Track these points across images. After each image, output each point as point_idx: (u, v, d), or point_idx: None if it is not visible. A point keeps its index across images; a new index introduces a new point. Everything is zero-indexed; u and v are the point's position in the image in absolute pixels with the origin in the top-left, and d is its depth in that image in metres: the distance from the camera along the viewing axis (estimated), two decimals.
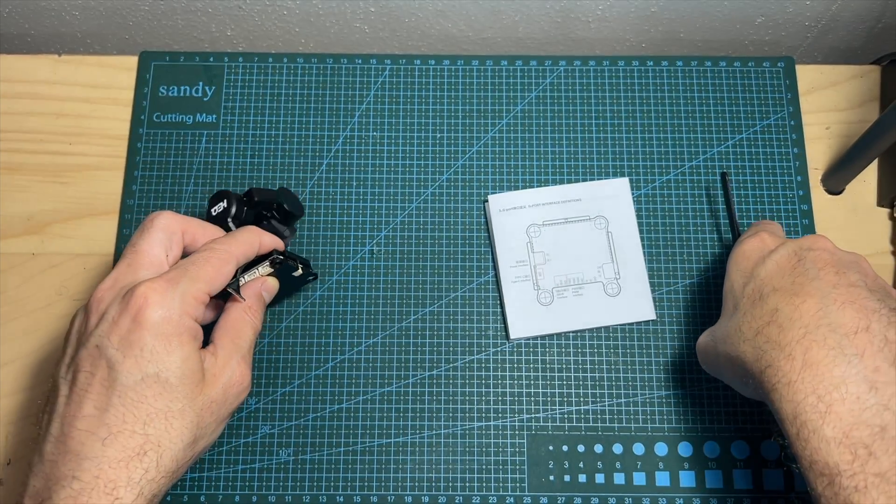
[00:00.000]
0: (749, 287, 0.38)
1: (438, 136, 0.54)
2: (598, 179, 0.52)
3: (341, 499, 0.47)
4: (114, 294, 0.37)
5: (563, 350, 0.49)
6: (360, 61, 0.55)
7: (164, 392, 0.35)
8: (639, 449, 0.47)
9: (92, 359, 0.35)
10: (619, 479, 0.47)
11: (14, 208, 0.53)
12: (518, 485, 0.47)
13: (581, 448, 0.47)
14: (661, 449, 0.47)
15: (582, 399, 0.48)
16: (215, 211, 0.45)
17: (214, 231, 0.42)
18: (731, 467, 0.47)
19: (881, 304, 0.34)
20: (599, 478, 0.47)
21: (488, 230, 0.51)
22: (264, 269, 0.44)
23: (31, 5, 0.57)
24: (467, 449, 0.47)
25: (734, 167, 0.53)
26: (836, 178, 0.52)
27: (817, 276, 0.36)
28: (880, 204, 0.53)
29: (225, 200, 0.45)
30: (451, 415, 0.48)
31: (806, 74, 0.55)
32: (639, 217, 0.51)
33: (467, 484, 0.47)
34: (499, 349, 0.49)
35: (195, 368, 0.36)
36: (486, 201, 0.51)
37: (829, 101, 0.55)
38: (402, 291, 0.50)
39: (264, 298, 0.43)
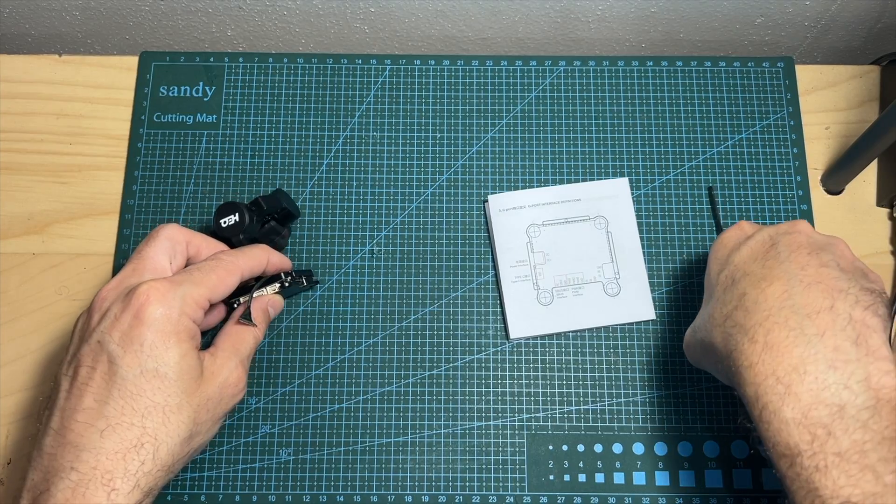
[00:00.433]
0: (723, 274, 0.38)
1: (438, 136, 0.54)
2: (598, 179, 0.52)
3: (341, 498, 0.47)
4: (116, 294, 0.38)
5: (563, 350, 0.49)
6: (360, 61, 0.55)
7: (162, 387, 0.36)
8: (638, 448, 0.47)
9: (94, 354, 0.36)
10: (618, 478, 0.47)
11: (14, 208, 0.53)
12: (518, 484, 0.47)
13: (581, 448, 0.47)
14: (660, 448, 0.47)
15: (582, 399, 0.48)
16: (225, 223, 0.45)
17: (218, 245, 0.44)
18: (730, 467, 0.47)
19: (851, 284, 0.34)
20: (599, 477, 0.47)
21: (488, 230, 0.51)
22: (272, 289, 0.46)
23: (31, 5, 0.57)
24: (467, 449, 0.47)
25: (734, 167, 0.53)
26: (836, 178, 0.52)
27: (788, 258, 0.36)
28: (880, 204, 0.53)
29: (236, 214, 0.45)
30: (451, 414, 0.48)
31: (805, 74, 0.55)
32: (639, 217, 0.51)
33: (467, 483, 0.47)
34: (499, 349, 0.49)
35: (192, 365, 0.38)
36: (486, 201, 0.51)
37: (828, 102, 0.55)
38: (402, 291, 0.50)
39: (270, 313, 0.46)
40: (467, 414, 0.48)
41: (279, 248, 0.49)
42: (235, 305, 0.45)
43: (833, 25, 0.59)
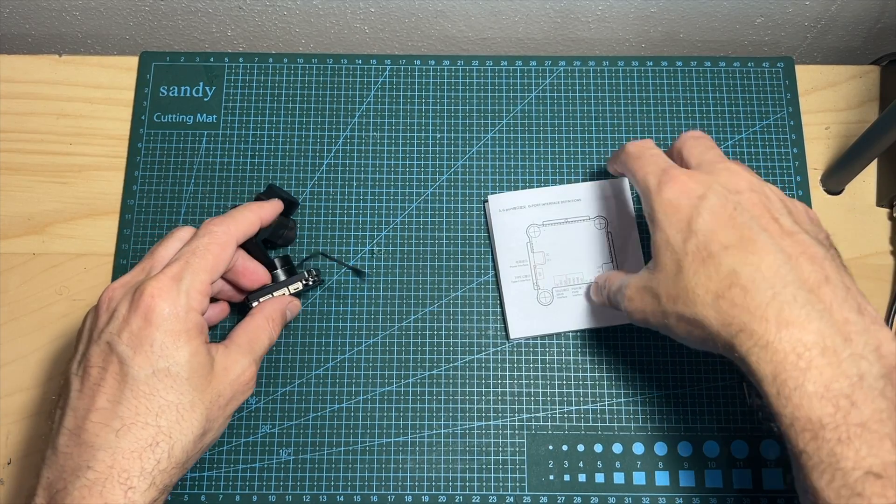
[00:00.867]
0: (691, 244, 0.37)
1: (438, 136, 0.54)
2: (599, 180, 0.52)
3: (341, 498, 0.47)
4: (123, 293, 0.38)
5: (563, 350, 0.49)
6: (360, 61, 0.55)
7: (174, 385, 0.37)
8: (638, 448, 0.47)
9: (104, 355, 0.37)
10: (618, 478, 0.47)
11: (15, 208, 0.53)
12: (518, 484, 0.47)
13: (581, 447, 0.47)
14: (660, 448, 0.47)
15: (582, 399, 0.48)
16: None
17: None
18: (730, 467, 0.47)
19: (822, 248, 0.35)
20: (599, 477, 0.47)
21: (488, 230, 0.51)
22: (294, 287, 0.46)
23: (31, 5, 0.57)
24: (467, 449, 0.47)
25: None
26: (836, 179, 0.52)
27: (760, 226, 0.36)
28: (879, 204, 0.53)
29: None
30: (451, 414, 0.48)
31: (805, 74, 0.55)
32: (639, 217, 0.51)
33: (467, 483, 0.47)
34: (499, 349, 0.49)
35: (203, 362, 0.38)
36: (486, 201, 0.51)
37: (828, 102, 0.55)
38: (402, 291, 0.50)
39: (287, 316, 0.45)
40: (467, 414, 0.48)
41: (289, 240, 0.50)
42: (254, 305, 0.45)
43: (833, 25, 0.59)
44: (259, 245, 0.45)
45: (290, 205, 0.48)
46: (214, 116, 0.54)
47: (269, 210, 0.45)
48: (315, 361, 0.49)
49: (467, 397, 0.48)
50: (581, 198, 0.51)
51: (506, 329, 0.49)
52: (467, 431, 0.48)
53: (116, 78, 0.55)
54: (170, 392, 0.36)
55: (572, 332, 0.49)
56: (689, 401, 0.48)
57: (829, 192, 0.53)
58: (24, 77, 0.55)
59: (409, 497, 0.47)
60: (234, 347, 0.41)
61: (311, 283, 0.47)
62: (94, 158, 0.54)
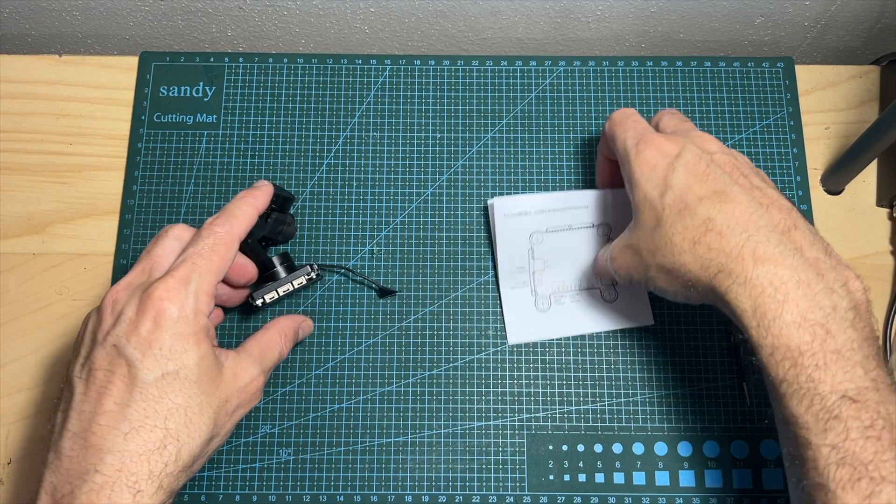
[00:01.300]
0: (668, 198, 0.38)
1: (438, 136, 0.54)
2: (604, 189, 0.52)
3: (341, 498, 0.47)
4: (128, 294, 0.38)
5: (563, 350, 0.49)
6: (360, 61, 0.55)
7: (183, 388, 0.36)
8: (638, 448, 0.47)
9: (110, 357, 0.36)
10: (618, 478, 0.47)
11: (14, 208, 0.53)
12: (518, 484, 0.47)
13: (581, 448, 0.47)
14: (660, 448, 0.47)
15: (582, 399, 0.48)
16: None
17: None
18: (730, 467, 0.47)
19: (789, 202, 0.38)
20: (599, 477, 0.47)
21: (490, 233, 0.51)
22: (298, 282, 0.46)
23: (31, 5, 0.57)
24: (467, 449, 0.47)
25: None
26: (836, 179, 0.52)
27: (732, 180, 0.38)
28: (879, 204, 0.53)
29: None
30: (451, 415, 0.48)
31: (805, 74, 0.55)
32: None
33: (467, 483, 0.47)
34: (498, 349, 0.49)
35: (212, 366, 0.38)
36: (492, 204, 0.49)
37: (828, 102, 0.55)
38: (403, 291, 0.50)
39: (299, 335, 0.46)
40: (467, 414, 0.48)
41: (289, 235, 0.50)
42: (258, 303, 0.45)
43: (833, 25, 0.59)
44: (252, 245, 0.44)
45: (286, 200, 0.48)
46: (214, 116, 0.54)
47: (263, 198, 0.44)
48: (315, 361, 0.49)
49: (467, 397, 0.48)
50: (588, 205, 0.49)
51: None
52: (467, 431, 0.48)
53: (116, 78, 0.55)
54: (178, 395, 0.36)
55: (571, 337, 0.49)
56: (689, 401, 0.48)
57: (829, 192, 0.53)
58: (24, 77, 0.55)
59: (409, 497, 0.47)
60: (244, 355, 0.41)
61: (314, 277, 0.47)
62: (94, 158, 0.54)
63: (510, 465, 0.47)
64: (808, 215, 0.52)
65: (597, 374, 0.49)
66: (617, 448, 0.47)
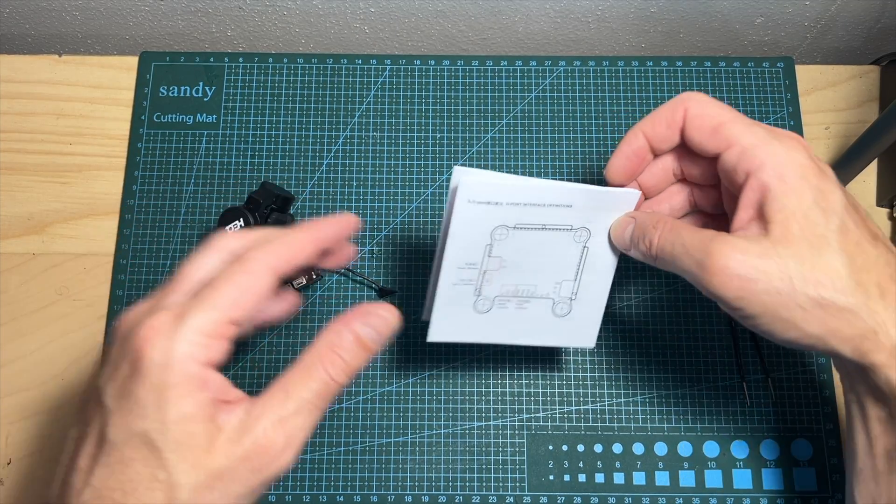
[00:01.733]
0: (834, 223, 0.32)
1: (438, 136, 0.54)
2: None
3: (341, 498, 0.47)
4: (131, 326, 0.30)
5: (563, 350, 0.49)
6: (360, 61, 0.55)
7: (150, 457, 0.28)
8: (638, 448, 0.47)
9: (93, 403, 0.30)
10: (618, 478, 0.47)
11: (14, 208, 0.53)
12: (518, 484, 0.47)
13: (581, 448, 0.47)
14: (660, 448, 0.47)
15: (582, 399, 0.48)
16: (231, 230, 0.45)
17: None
18: (730, 467, 0.47)
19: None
20: (599, 477, 0.47)
21: (445, 212, 0.39)
22: (298, 282, 0.46)
23: (31, 5, 0.57)
24: (467, 449, 0.47)
25: None
26: None
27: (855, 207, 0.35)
28: (880, 204, 0.53)
29: (241, 218, 0.45)
30: (451, 415, 0.48)
31: (805, 74, 0.55)
32: None
33: (467, 483, 0.47)
34: (499, 349, 0.49)
35: (195, 431, 0.29)
36: (458, 180, 0.36)
37: (828, 102, 0.55)
38: (403, 291, 0.50)
39: (371, 335, 0.36)
40: (467, 414, 0.48)
41: None
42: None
43: (833, 25, 0.59)
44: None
45: (286, 200, 0.48)
46: (214, 116, 0.54)
47: (333, 230, 0.35)
48: None
49: (467, 397, 0.48)
50: (572, 204, 0.38)
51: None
52: (467, 431, 0.48)
53: (116, 78, 0.55)
54: (144, 465, 0.28)
55: (501, 344, 0.48)
56: (689, 401, 0.48)
57: None
58: (24, 77, 0.55)
59: (409, 497, 0.47)
60: (262, 401, 0.30)
61: (314, 277, 0.47)
62: (94, 158, 0.54)
63: (510, 465, 0.47)
64: None
65: (597, 374, 0.49)
66: (617, 448, 0.47)
